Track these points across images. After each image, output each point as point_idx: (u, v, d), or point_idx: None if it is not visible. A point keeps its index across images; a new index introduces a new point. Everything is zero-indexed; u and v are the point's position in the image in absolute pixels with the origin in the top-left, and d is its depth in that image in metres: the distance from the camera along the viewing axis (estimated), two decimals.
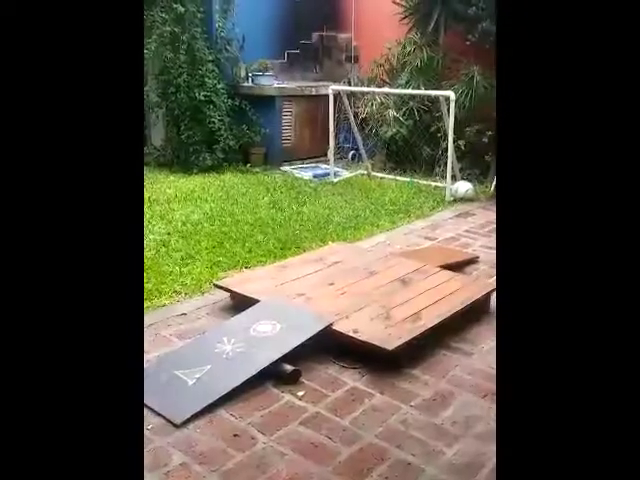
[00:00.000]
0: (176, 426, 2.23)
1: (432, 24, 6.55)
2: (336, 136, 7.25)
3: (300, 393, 2.46)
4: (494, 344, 2.93)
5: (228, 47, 6.99)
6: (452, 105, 5.65)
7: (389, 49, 7.15)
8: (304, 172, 6.86)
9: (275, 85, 7.19)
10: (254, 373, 2.47)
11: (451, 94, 5.71)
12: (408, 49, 6.92)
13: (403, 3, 6.89)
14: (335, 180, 6.50)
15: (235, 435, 2.19)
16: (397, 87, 6.81)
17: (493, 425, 2.29)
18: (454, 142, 5.92)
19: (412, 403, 2.43)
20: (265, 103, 7.03)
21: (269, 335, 2.73)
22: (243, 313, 2.96)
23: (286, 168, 6.99)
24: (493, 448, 2.15)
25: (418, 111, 6.74)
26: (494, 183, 6.11)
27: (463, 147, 6.36)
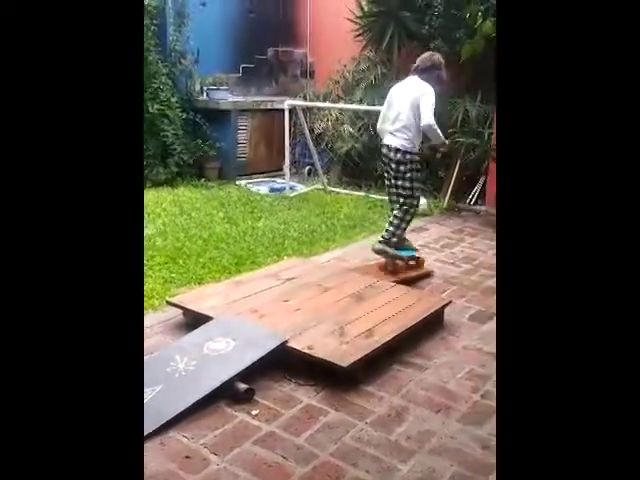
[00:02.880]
0: None
1: (386, 42, 6.66)
2: (292, 151, 7.27)
3: (254, 412, 2.43)
4: (447, 358, 2.97)
5: (182, 60, 6.94)
6: None
7: (344, 66, 7.24)
8: (260, 187, 6.84)
9: (230, 99, 7.16)
10: (207, 393, 2.42)
11: None
12: (362, 66, 7.02)
13: (358, 20, 6.99)
14: (291, 195, 6.50)
15: (187, 457, 2.14)
16: (352, 103, 6.88)
17: (446, 440, 2.31)
18: None
19: (367, 420, 2.42)
20: (220, 117, 6.99)
21: (223, 353, 2.69)
22: (196, 331, 2.91)
23: (242, 182, 6.95)
24: (447, 463, 2.16)
25: (373, 127, 6.80)
26: (447, 198, 6.22)
27: None
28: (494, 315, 3.57)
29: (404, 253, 4.13)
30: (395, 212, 4.01)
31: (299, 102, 7.05)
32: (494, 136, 6.20)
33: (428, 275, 4.20)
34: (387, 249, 3.98)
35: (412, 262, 4.18)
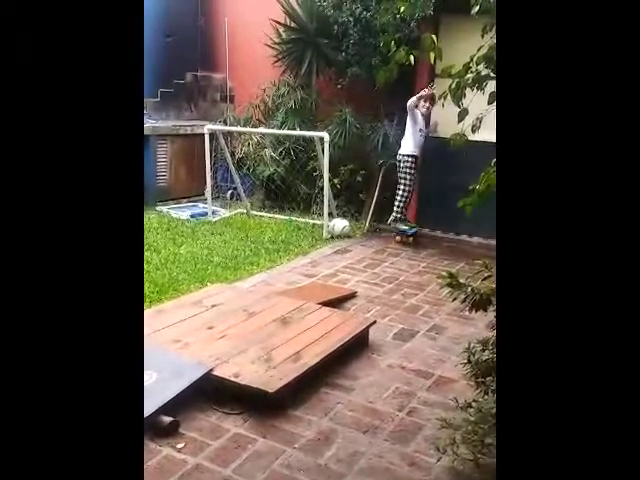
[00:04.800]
0: None
1: (304, 67, 6.77)
2: (214, 175, 7.20)
3: (180, 445, 2.36)
4: (373, 378, 3.01)
5: None
6: (326, 145, 5.84)
7: (264, 90, 7.28)
8: (181, 212, 6.72)
9: (149, 124, 7.03)
10: None
11: (325, 135, 5.91)
12: (282, 90, 7.09)
13: (276, 47, 7.06)
14: (213, 219, 6.43)
15: None
16: (273, 127, 6.92)
17: (375, 460, 2.33)
18: (330, 181, 6.10)
19: (296, 445, 2.40)
20: None
21: (145, 386, 2.60)
22: None
23: (162, 208, 6.80)
24: None
25: (294, 151, 6.88)
26: (368, 220, 6.35)
27: (338, 186, 6.57)
28: (417, 333, 3.66)
29: (410, 231, 5.95)
30: (397, 197, 5.89)
31: (219, 127, 7.02)
32: None
33: (352, 296, 4.26)
34: (398, 224, 5.92)
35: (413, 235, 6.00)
